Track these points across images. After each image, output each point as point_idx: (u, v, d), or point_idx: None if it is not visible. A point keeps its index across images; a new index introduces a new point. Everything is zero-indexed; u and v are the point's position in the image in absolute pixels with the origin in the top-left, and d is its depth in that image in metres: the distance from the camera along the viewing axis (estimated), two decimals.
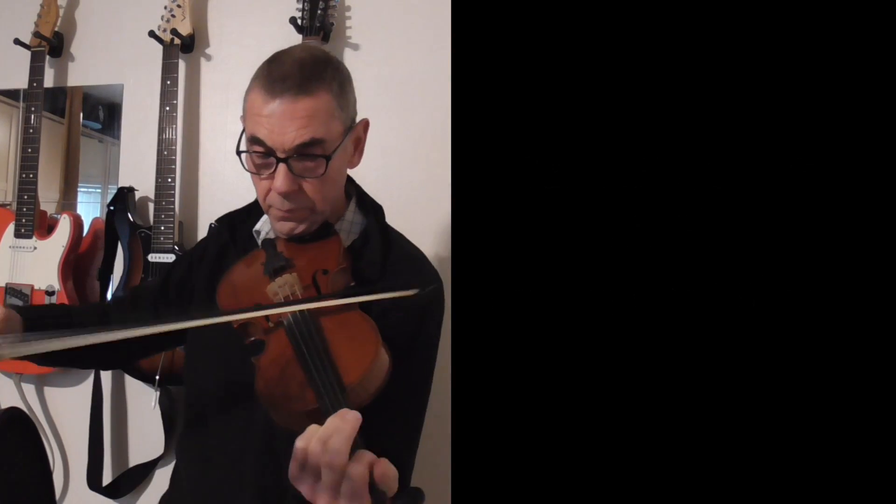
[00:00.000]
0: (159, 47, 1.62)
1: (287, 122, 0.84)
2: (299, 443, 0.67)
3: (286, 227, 0.93)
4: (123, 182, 1.73)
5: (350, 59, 1.62)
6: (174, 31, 1.61)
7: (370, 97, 1.61)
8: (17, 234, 1.67)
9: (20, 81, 1.75)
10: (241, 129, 0.92)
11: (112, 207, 1.65)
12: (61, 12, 1.77)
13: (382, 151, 1.59)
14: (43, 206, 1.71)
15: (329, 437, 0.65)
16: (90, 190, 1.84)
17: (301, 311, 0.81)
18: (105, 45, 1.80)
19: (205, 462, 0.98)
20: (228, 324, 0.83)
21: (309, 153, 0.87)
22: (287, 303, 0.82)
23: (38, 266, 1.66)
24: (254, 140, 0.87)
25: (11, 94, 1.87)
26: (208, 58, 1.72)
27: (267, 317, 0.82)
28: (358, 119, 0.96)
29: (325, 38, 1.58)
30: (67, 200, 1.83)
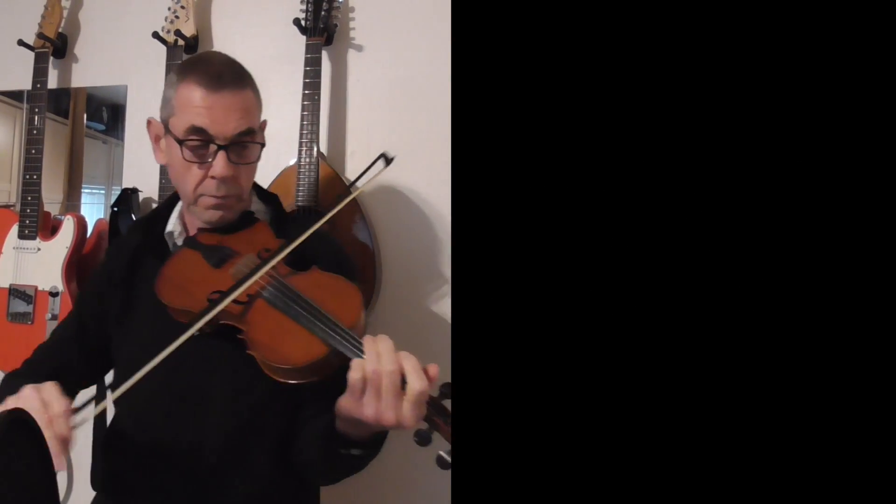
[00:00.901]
0: (163, 48, 1.62)
1: (228, 112, 0.95)
2: (355, 374, 0.75)
3: (216, 215, 1.00)
4: (127, 183, 1.73)
5: (354, 60, 1.62)
6: (178, 33, 1.61)
7: (374, 98, 1.61)
8: (21, 236, 1.67)
9: (24, 82, 1.75)
10: (165, 124, 1.00)
11: (116, 208, 1.66)
12: (65, 13, 1.77)
13: (384, 151, 1.59)
14: (47, 208, 1.71)
15: (381, 355, 0.75)
16: (94, 191, 1.84)
17: (277, 279, 0.88)
18: (109, 46, 1.80)
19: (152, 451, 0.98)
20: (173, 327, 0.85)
21: (246, 141, 0.98)
22: (254, 270, 0.88)
23: (41, 267, 1.66)
24: (195, 130, 0.95)
25: (15, 96, 1.87)
26: None
27: (236, 299, 0.88)
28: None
29: (329, 40, 1.58)
30: (71, 201, 1.83)
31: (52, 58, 1.76)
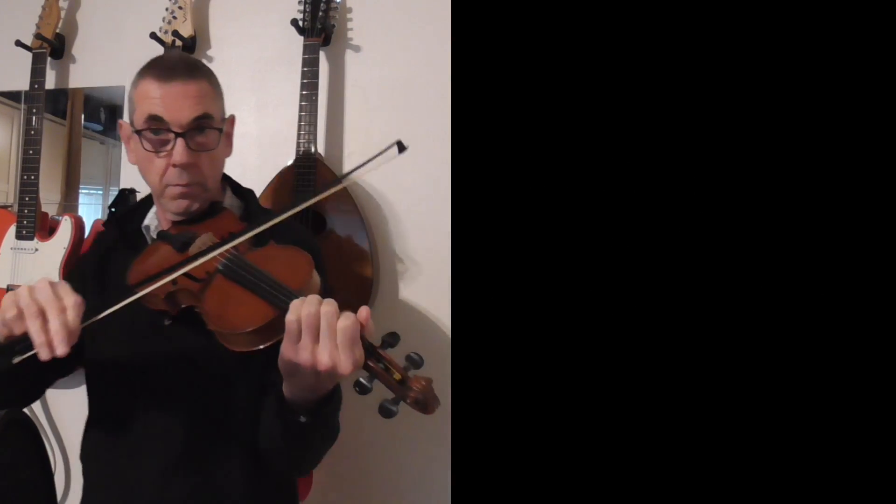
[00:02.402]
0: (161, 49, 1.62)
1: (182, 100, 0.99)
2: (290, 316, 0.77)
3: (182, 204, 1.03)
4: (125, 184, 1.73)
5: (351, 61, 1.63)
6: (175, 33, 1.61)
7: (371, 98, 1.61)
8: (19, 236, 1.67)
9: (21, 83, 1.75)
10: (130, 121, 1.03)
11: (113, 209, 1.66)
12: (63, 14, 1.77)
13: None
14: (44, 208, 1.71)
15: (317, 301, 0.77)
16: (91, 192, 1.84)
17: (232, 254, 0.91)
18: (106, 46, 1.80)
19: (126, 459, 1.00)
20: (139, 312, 0.89)
21: (203, 126, 1.01)
22: (213, 248, 0.90)
23: (39, 267, 1.66)
24: (152, 118, 0.99)
25: (13, 96, 1.87)
26: (210, 59, 1.72)
27: (194, 277, 0.91)
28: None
29: (327, 41, 1.59)
30: (69, 202, 1.83)
31: (49, 58, 1.75)
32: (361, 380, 0.76)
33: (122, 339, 1.01)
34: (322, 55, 1.58)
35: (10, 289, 1.67)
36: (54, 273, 1.64)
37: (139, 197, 1.69)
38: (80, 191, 1.84)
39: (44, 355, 0.76)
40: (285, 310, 0.79)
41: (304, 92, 1.49)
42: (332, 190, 1.03)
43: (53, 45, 1.75)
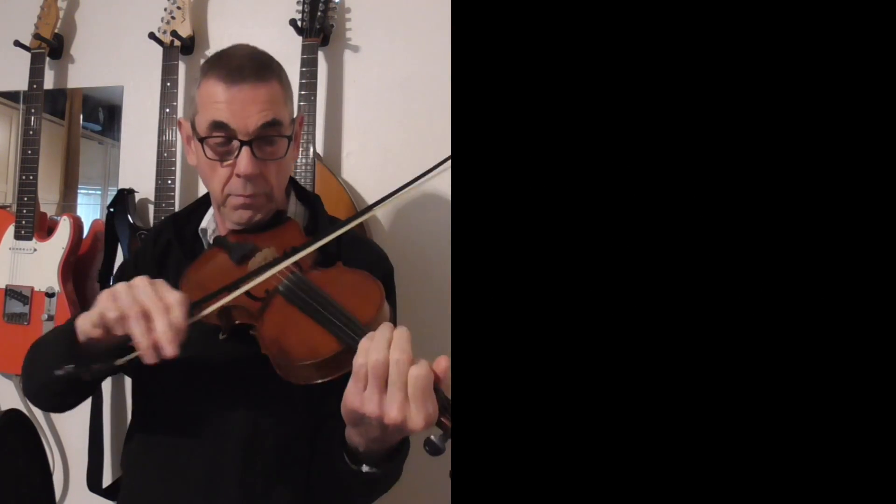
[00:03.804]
0: (159, 49, 1.62)
1: (249, 105, 0.90)
2: (359, 359, 0.69)
3: (245, 215, 0.96)
4: (123, 184, 1.73)
5: (350, 61, 1.63)
6: (174, 33, 1.61)
7: (370, 99, 1.61)
8: (17, 236, 1.67)
9: (20, 83, 1.75)
10: (192, 123, 0.96)
11: (112, 209, 1.65)
12: (61, 14, 1.76)
13: (382, 152, 1.59)
14: (43, 208, 1.71)
15: (388, 342, 0.68)
16: (90, 192, 1.84)
17: (295, 274, 0.84)
18: (105, 46, 1.80)
19: (170, 471, 0.93)
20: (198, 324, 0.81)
21: (270, 134, 0.93)
22: (275, 262, 0.82)
23: (38, 268, 1.66)
24: (216, 125, 0.91)
25: (11, 96, 1.87)
26: None
27: (253, 295, 0.83)
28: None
29: (326, 41, 1.59)
30: (67, 202, 1.83)
31: (48, 58, 1.75)
32: (433, 438, 0.66)
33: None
34: (320, 55, 1.58)
35: (8, 289, 1.67)
36: (53, 273, 1.64)
37: (138, 198, 1.70)
38: (78, 191, 1.84)
39: (150, 359, 0.71)
40: (351, 346, 0.72)
41: (302, 92, 1.49)
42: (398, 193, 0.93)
43: (52, 45, 1.74)
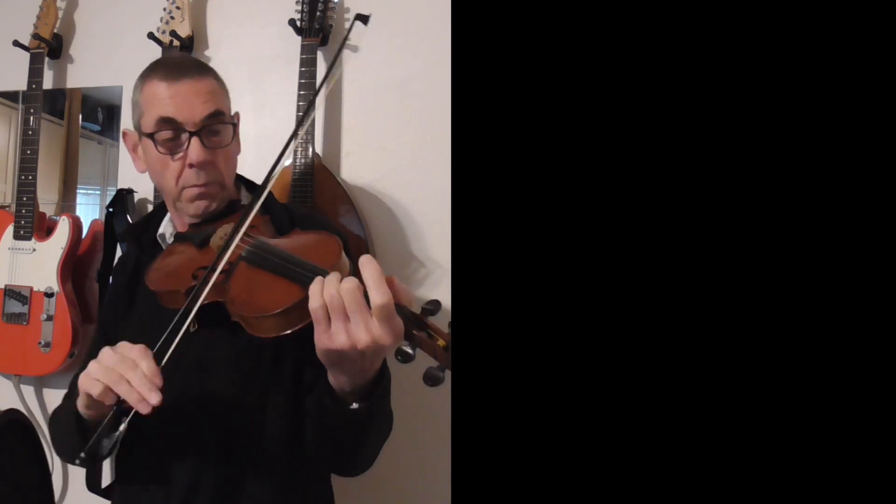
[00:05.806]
0: (158, 49, 1.62)
1: (192, 97, 0.97)
2: (313, 304, 0.73)
3: (201, 205, 1.01)
4: (122, 184, 1.73)
5: (349, 61, 1.63)
6: (173, 33, 1.61)
7: (369, 99, 1.61)
8: (16, 236, 1.67)
9: (19, 83, 1.75)
10: (137, 128, 1.01)
11: (111, 209, 1.65)
12: (60, 14, 1.76)
13: (382, 152, 1.59)
14: (42, 208, 1.71)
15: (335, 279, 0.73)
16: (89, 192, 1.84)
17: (255, 239, 0.89)
18: (104, 46, 1.79)
19: (153, 469, 0.99)
20: (165, 316, 0.84)
21: (216, 123, 0.99)
22: (234, 232, 0.87)
23: (37, 268, 1.65)
24: (163, 121, 0.96)
25: (10, 96, 1.87)
26: (207, 60, 1.71)
27: (221, 270, 0.87)
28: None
29: (325, 41, 1.59)
30: (66, 202, 1.83)
31: (47, 58, 1.75)
32: (404, 347, 0.71)
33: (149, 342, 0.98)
34: (320, 55, 1.58)
35: (7, 289, 1.67)
36: (52, 273, 1.64)
37: (137, 197, 1.70)
38: (77, 191, 1.84)
39: (144, 410, 0.76)
40: None
41: (301, 92, 1.49)
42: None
43: (51, 45, 1.74)
